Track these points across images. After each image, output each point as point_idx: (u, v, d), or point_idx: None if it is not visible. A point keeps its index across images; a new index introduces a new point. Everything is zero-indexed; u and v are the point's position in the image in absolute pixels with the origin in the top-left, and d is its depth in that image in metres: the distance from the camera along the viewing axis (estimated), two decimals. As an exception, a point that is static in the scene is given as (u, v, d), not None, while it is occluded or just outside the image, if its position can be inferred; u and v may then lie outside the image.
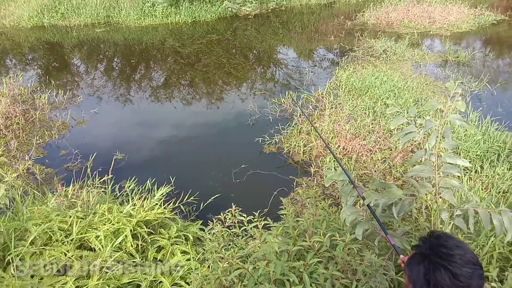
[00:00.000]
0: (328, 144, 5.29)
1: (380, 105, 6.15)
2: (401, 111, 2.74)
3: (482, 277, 1.19)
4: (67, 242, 2.96)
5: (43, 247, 2.88)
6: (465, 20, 11.55)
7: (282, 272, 2.06)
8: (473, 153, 4.95)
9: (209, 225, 3.25)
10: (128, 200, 3.79)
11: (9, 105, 6.34)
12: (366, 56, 8.92)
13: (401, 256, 1.68)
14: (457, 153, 5.04)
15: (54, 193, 3.68)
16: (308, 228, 2.40)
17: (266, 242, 2.17)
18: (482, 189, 4.11)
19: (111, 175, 3.84)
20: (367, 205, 2.18)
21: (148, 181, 4.37)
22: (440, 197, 2.72)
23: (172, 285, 2.92)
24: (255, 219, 2.64)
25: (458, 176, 2.72)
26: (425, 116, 5.53)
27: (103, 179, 3.74)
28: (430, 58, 8.85)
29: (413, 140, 5.12)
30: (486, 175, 4.51)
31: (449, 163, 2.68)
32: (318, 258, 2.20)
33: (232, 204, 3.29)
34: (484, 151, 5.00)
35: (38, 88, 7.50)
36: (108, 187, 3.68)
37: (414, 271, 1.26)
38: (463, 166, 4.58)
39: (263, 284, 1.95)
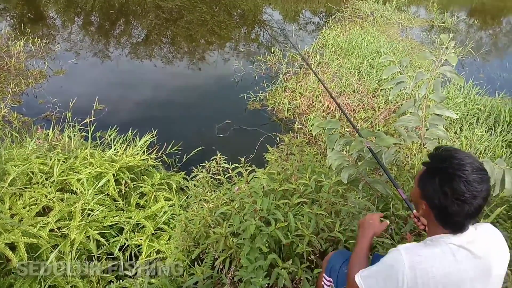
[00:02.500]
0: (336, 99, 5.28)
1: (366, 65, 6.13)
2: (394, 60, 2.71)
3: (489, 181, 1.28)
4: (48, 184, 2.90)
5: (23, 188, 2.82)
6: (453, -14, 11.48)
7: (268, 209, 2.07)
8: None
9: (193, 173, 3.23)
10: (110, 148, 3.72)
11: (-18, 51, 6.05)
12: (353, 18, 8.82)
13: (414, 211, 1.71)
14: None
15: (33, 137, 3.57)
16: (293, 172, 2.41)
17: (253, 181, 2.17)
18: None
19: (92, 119, 3.73)
20: (370, 149, 2.18)
21: (130, 132, 4.29)
22: (425, 147, 2.77)
23: (156, 229, 2.93)
24: (241, 165, 2.63)
25: (445, 128, 2.74)
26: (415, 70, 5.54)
27: (85, 121, 3.64)
28: (417, 22, 8.81)
29: (400, 93, 5.16)
30: (465, 136, 4.61)
31: (436, 114, 2.71)
32: (303, 199, 2.22)
33: (218, 152, 3.27)
34: (464, 113, 5.09)
35: (13, 36, 7.14)
36: (89, 131, 3.59)
37: (428, 186, 1.31)
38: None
39: (249, 220, 1.96)
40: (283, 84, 5.87)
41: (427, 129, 2.76)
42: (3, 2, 10.57)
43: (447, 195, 1.26)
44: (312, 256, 2.07)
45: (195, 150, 4.26)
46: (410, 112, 2.83)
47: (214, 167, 3.24)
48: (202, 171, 3.08)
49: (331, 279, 1.75)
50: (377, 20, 8.58)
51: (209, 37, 8.67)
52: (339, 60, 6.35)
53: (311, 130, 4.77)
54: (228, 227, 2.18)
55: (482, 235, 1.36)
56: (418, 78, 2.73)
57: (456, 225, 1.31)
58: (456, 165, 1.27)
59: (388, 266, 1.33)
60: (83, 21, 9.81)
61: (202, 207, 2.52)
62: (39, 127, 3.38)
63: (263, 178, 2.18)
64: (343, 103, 5.25)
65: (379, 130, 4.84)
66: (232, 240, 2.19)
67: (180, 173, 3.80)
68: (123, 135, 4.25)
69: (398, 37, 7.81)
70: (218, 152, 3.28)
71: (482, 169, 1.28)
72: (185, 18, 9.65)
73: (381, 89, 5.46)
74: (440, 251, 1.31)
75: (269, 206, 2.06)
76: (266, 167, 2.86)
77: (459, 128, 4.83)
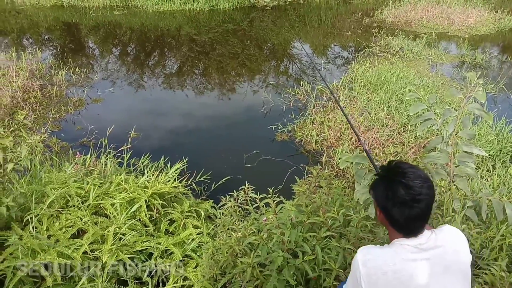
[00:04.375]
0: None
1: (395, 100, 6.14)
2: (421, 97, 2.75)
3: (432, 188, 1.40)
4: (83, 208, 3.02)
5: (60, 210, 2.95)
6: (484, 23, 11.43)
7: (296, 241, 2.10)
8: (486, 153, 4.93)
9: (221, 202, 3.29)
10: (143, 175, 3.85)
11: (27, 79, 6.44)
12: (383, 53, 8.89)
13: None
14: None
15: (71, 162, 3.74)
16: (321, 205, 2.44)
17: (281, 213, 2.21)
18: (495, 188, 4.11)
19: (129, 146, 3.89)
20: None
21: (162, 159, 4.43)
22: (454, 185, 2.74)
23: (183, 256, 2.98)
24: (269, 196, 2.68)
25: (473, 166, 2.72)
26: (444, 107, 5.50)
27: (121, 148, 3.80)
28: (447, 58, 8.79)
29: (430, 129, 5.12)
30: (498, 174, 4.51)
31: (465, 151, 2.70)
32: (331, 233, 2.23)
33: (246, 182, 3.33)
34: (497, 151, 4.99)
35: (56, 65, 7.59)
36: (125, 158, 3.74)
37: (376, 192, 1.48)
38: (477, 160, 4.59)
39: (277, 251, 1.99)
40: (311, 116, 5.94)
41: (456, 166, 2.75)
42: (47, 33, 11.27)
43: (389, 198, 1.40)
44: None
45: (223, 179, 4.34)
46: (439, 149, 2.83)
47: (242, 196, 3.29)
48: (230, 200, 3.14)
49: None
50: (407, 56, 8.62)
51: (239, 70, 8.93)
52: (368, 94, 6.39)
53: (339, 163, 4.78)
54: (256, 257, 2.21)
55: (440, 237, 1.45)
56: (446, 115, 2.75)
57: (404, 228, 1.42)
58: (399, 173, 1.41)
59: (352, 268, 1.46)
60: (120, 52, 10.31)
61: (229, 236, 2.56)
62: (77, 152, 3.56)
63: (291, 209, 2.22)
64: (372, 137, 5.25)
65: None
66: (259, 270, 2.22)
67: (208, 201, 3.87)
68: (155, 162, 4.39)
69: (428, 73, 7.80)
70: (246, 182, 3.34)
71: (425, 178, 1.40)
72: (217, 51, 9.99)
73: (410, 124, 5.44)
74: (393, 251, 1.43)
75: (297, 238, 2.09)
76: (294, 198, 2.89)
77: (492, 166, 4.72)
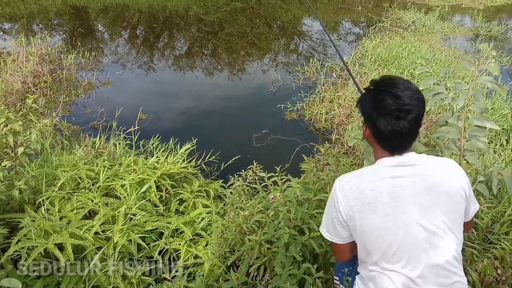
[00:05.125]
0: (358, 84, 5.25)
1: (407, 75, 6.03)
2: (431, 71, 2.68)
3: (422, 101, 1.32)
4: (94, 189, 3.07)
5: (71, 192, 3.00)
6: (500, -7, 11.07)
7: (302, 218, 2.10)
8: (500, 127, 4.84)
9: (230, 181, 3.31)
10: (152, 156, 3.88)
11: (37, 64, 6.48)
12: (394, 27, 8.70)
13: None
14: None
15: (81, 145, 3.79)
16: (329, 183, 2.43)
17: (287, 191, 2.21)
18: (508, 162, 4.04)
19: (136, 128, 3.92)
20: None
21: (171, 140, 4.45)
22: (465, 159, 2.70)
23: (193, 235, 3.02)
24: (276, 174, 2.68)
25: (485, 140, 2.67)
26: (456, 81, 5.38)
27: (129, 130, 3.83)
28: (461, 31, 8.57)
29: (442, 104, 5.03)
30: (511, 149, 4.42)
31: (476, 125, 2.64)
32: (338, 210, 2.22)
33: (254, 162, 3.33)
34: (511, 125, 4.89)
35: (65, 49, 7.61)
36: (134, 139, 3.77)
37: (363, 104, 1.40)
38: (488, 135, 4.50)
39: (283, 228, 2.00)
40: (321, 94, 5.88)
41: (467, 141, 2.70)
42: (56, 17, 11.27)
43: (374, 107, 1.32)
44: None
45: (233, 159, 4.34)
46: (450, 123, 2.77)
47: (250, 175, 3.30)
48: (238, 180, 3.15)
49: (337, 278, 1.76)
50: (419, 30, 8.42)
51: (248, 49, 8.84)
52: (379, 70, 6.29)
53: (348, 141, 4.74)
54: (263, 235, 2.23)
55: (429, 158, 1.38)
56: (457, 89, 2.68)
57: (389, 144, 1.34)
58: (388, 83, 1.33)
59: (329, 197, 1.42)
60: (129, 34, 10.28)
61: (238, 214, 2.58)
62: (87, 135, 3.60)
63: (297, 187, 2.21)
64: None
65: (419, 141, 4.73)
66: (267, 247, 2.23)
67: (218, 181, 3.89)
68: (165, 143, 4.41)
69: (441, 47, 7.62)
70: (254, 161, 3.34)
71: (416, 90, 1.31)
72: (225, 31, 9.89)
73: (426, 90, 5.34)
74: (372, 170, 1.38)
75: (303, 215, 2.09)
76: (302, 176, 2.88)
77: (505, 140, 4.63)
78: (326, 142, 4.89)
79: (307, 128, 5.36)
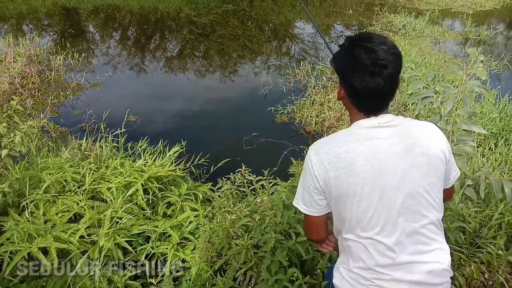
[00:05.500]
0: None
1: (396, 79, 6.05)
2: (419, 75, 2.69)
3: (399, 58, 1.24)
4: (80, 192, 3.02)
5: (56, 195, 2.95)
6: (489, -2, 11.21)
7: (289, 223, 2.08)
8: (488, 131, 4.87)
9: (218, 184, 3.28)
10: (140, 158, 3.84)
11: (25, 65, 6.40)
12: (385, 31, 8.75)
13: None
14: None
15: (68, 147, 3.73)
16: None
17: (273, 194, 2.19)
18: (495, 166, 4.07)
19: (123, 130, 3.88)
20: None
21: (160, 142, 4.40)
22: (452, 163, 2.70)
23: (181, 239, 2.98)
24: (264, 178, 2.66)
25: (473, 144, 2.68)
26: (445, 85, 5.43)
27: (116, 132, 3.78)
28: (450, 35, 8.64)
29: (431, 108, 5.05)
30: (500, 153, 4.45)
31: (464, 130, 2.65)
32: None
33: (242, 165, 3.31)
34: (500, 129, 4.92)
35: (54, 51, 7.52)
36: (120, 141, 3.73)
37: (336, 60, 1.33)
38: (476, 139, 4.53)
39: (269, 233, 1.98)
40: (311, 97, 5.87)
41: (455, 145, 2.70)
42: (46, 18, 11.17)
43: (348, 63, 1.26)
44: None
45: (222, 162, 4.30)
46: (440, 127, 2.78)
47: (239, 179, 3.28)
48: (227, 183, 3.13)
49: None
50: (409, 34, 8.48)
51: (240, 51, 8.82)
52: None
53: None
54: (250, 239, 2.21)
55: (406, 121, 1.32)
56: (446, 93, 2.68)
57: (364, 103, 1.28)
58: (363, 38, 1.26)
59: (304, 166, 1.35)
60: (119, 36, 10.21)
61: (225, 218, 2.56)
62: (73, 138, 3.55)
63: (283, 191, 2.20)
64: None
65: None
66: (254, 252, 2.21)
67: (207, 184, 3.86)
68: (153, 146, 4.37)
69: (431, 51, 7.67)
70: (243, 164, 3.33)
71: (393, 45, 1.24)
72: (217, 33, 9.87)
73: (412, 103, 5.37)
74: (347, 132, 1.31)
75: (289, 219, 2.07)
76: (290, 180, 2.87)
77: (494, 144, 4.66)
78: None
79: (297, 131, 5.35)
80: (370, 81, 1.22)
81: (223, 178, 3.69)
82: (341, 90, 1.34)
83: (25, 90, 5.93)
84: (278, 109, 5.71)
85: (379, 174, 1.24)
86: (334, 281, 1.42)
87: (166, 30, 10.62)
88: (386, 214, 1.24)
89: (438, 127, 2.51)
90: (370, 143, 1.26)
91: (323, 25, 10.81)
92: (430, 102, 2.73)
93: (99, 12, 11.75)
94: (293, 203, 1.41)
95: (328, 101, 5.62)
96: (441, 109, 2.63)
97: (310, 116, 5.42)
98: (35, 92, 5.92)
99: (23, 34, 8.70)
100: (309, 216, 1.37)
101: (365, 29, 9.02)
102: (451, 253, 2.27)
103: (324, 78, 6.48)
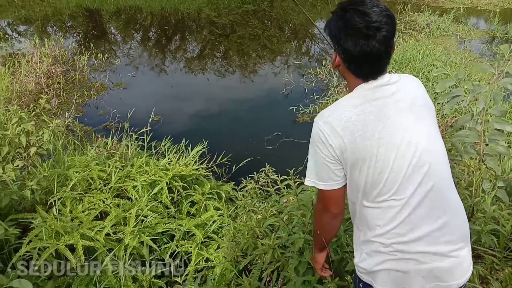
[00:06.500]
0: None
1: (421, 78, 5.93)
2: (449, 73, 2.61)
3: (392, 19, 1.23)
4: (105, 190, 3.05)
5: (83, 193, 2.99)
6: (517, -5, 10.89)
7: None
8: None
9: (242, 184, 3.26)
10: (163, 157, 3.86)
11: (50, 65, 6.53)
12: (408, 30, 8.60)
13: None
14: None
15: (91, 146, 3.78)
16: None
17: (302, 194, 2.16)
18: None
19: (148, 129, 3.90)
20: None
21: (183, 142, 4.42)
22: (484, 164, 2.62)
23: (205, 238, 2.98)
24: (290, 178, 2.63)
25: (504, 144, 2.59)
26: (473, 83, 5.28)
27: (141, 131, 3.81)
28: (476, 34, 8.43)
29: (457, 107, 4.91)
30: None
31: (496, 129, 2.56)
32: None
33: (266, 164, 3.28)
34: (530, 129, 4.76)
35: (78, 51, 7.66)
36: (145, 140, 3.75)
37: (330, 26, 1.31)
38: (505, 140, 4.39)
39: (297, 233, 1.95)
40: (333, 96, 5.81)
41: (486, 145, 2.62)
42: (70, 19, 11.39)
43: (342, 28, 1.24)
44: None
45: (244, 161, 4.28)
46: (468, 127, 2.70)
47: (263, 178, 3.25)
48: (250, 182, 3.11)
49: None
50: (434, 32, 8.30)
51: (260, 51, 8.80)
52: (393, 72, 6.19)
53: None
54: (276, 239, 2.18)
55: (399, 75, 1.34)
56: (476, 91, 2.60)
57: (361, 68, 1.27)
58: (355, 2, 1.24)
59: (312, 140, 1.33)
60: (141, 36, 10.33)
61: (250, 217, 2.54)
62: (99, 136, 3.59)
63: (312, 191, 2.16)
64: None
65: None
66: (280, 252, 2.18)
67: (229, 183, 3.86)
68: (176, 145, 4.39)
69: (456, 50, 7.49)
70: (266, 164, 3.29)
71: (385, 8, 1.23)
72: (237, 33, 9.87)
73: (437, 103, 5.25)
74: (352, 96, 1.30)
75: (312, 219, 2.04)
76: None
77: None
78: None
79: (319, 131, 5.29)
80: (364, 44, 1.21)
81: (246, 177, 3.67)
82: (336, 57, 1.33)
83: (50, 90, 6.04)
84: (300, 109, 5.67)
85: (393, 132, 1.24)
86: (355, 261, 1.41)
87: (187, 30, 10.68)
88: (403, 172, 1.24)
89: (467, 126, 2.45)
90: (378, 103, 1.26)
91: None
92: (461, 101, 2.66)
93: (121, 13, 11.92)
94: (305, 182, 1.39)
95: (351, 101, 5.54)
96: (473, 108, 2.55)
97: (333, 116, 5.35)
98: (60, 92, 6.03)
99: (48, 36, 8.88)
100: (327, 191, 1.35)
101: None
102: (483, 255, 2.21)
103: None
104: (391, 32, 1.22)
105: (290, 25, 10.89)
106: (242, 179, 4.15)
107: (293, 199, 2.27)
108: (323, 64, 6.91)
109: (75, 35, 10.11)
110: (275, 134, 5.15)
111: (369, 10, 1.20)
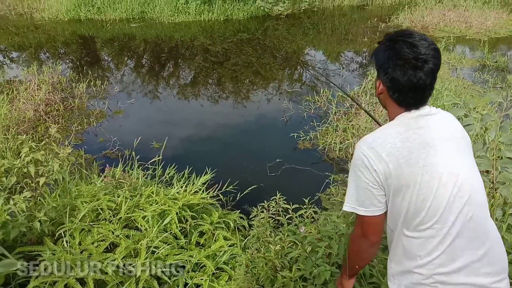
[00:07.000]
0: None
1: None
2: (459, 102, 2.66)
3: (438, 52, 1.29)
4: (114, 221, 2.99)
5: (91, 224, 2.92)
6: (503, 25, 11.26)
7: (340, 256, 2.03)
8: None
9: (253, 213, 3.23)
10: (169, 185, 3.82)
11: (49, 92, 6.50)
12: (401, 58, 8.79)
13: None
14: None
15: (97, 175, 3.73)
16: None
17: (328, 224, 2.13)
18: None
19: (159, 158, 3.87)
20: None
21: (186, 170, 4.38)
22: (497, 192, 2.64)
23: (216, 269, 2.92)
24: (304, 206, 2.61)
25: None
26: (481, 112, 5.36)
27: (153, 160, 3.78)
28: (467, 62, 8.65)
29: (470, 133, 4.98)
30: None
31: (508, 157, 2.60)
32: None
33: (277, 192, 3.27)
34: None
35: (76, 78, 7.65)
36: (157, 170, 3.72)
37: (378, 55, 1.37)
38: None
39: (323, 265, 1.92)
40: (333, 123, 5.86)
41: (499, 173, 2.65)
42: (66, 47, 11.42)
43: (391, 57, 1.29)
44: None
45: (250, 188, 4.25)
46: (479, 155, 2.73)
47: (273, 207, 3.23)
48: (262, 211, 3.07)
49: None
50: (426, 60, 8.51)
51: (260, 79, 8.88)
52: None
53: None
54: (297, 271, 2.14)
55: (438, 109, 1.39)
56: (485, 120, 2.65)
57: (405, 98, 1.31)
58: (404, 34, 1.30)
59: (354, 165, 1.33)
60: (139, 64, 10.38)
61: (267, 248, 2.50)
62: (107, 165, 3.54)
63: (339, 222, 2.14)
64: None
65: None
66: (301, 285, 2.14)
67: (234, 211, 3.81)
68: (179, 173, 4.34)
69: (449, 77, 7.67)
70: (277, 192, 3.28)
71: (432, 42, 1.29)
72: (231, 61, 9.98)
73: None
74: (395, 124, 1.33)
75: (340, 250, 2.02)
76: (324, 207, 2.82)
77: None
78: (342, 172, 4.83)
79: (321, 157, 5.31)
80: (412, 75, 1.26)
81: (251, 205, 3.63)
82: (379, 85, 1.38)
83: (49, 117, 6.00)
84: (301, 135, 5.70)
85: (436, 161, 1.26)
86: None
87: (184, 58, 10.78)
88: (446, 201, 1.26)
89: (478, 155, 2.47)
90: (421, 132, 1.29)
91: (334, 52, 10.92)
92: (471, 130, 2.70)
93: (117, 41, 12.00)
94: (344, 208, 1.39)
95: (352, 127, 5.59)
96: (485, 137, 2.59)
97: (334, 143, 5.39)
98: (59, 119, 5.98)
99: (41, 63, 8.87)
100: (367, 217, 1.34)
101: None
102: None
103: (345, 104, 6.47)
104: (437, 65, 1.28)
105: (283, 52, 11.06)
106: (248, 206, 4.14)
107: (313, 230, 2.25)
108: (321, 91, 7.00)
109: (71, 62, 10.13)
110: (277, 161, 5.15)
111: (417, 43, 1.26)
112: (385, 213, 1.35)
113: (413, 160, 1.26)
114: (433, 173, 1.26)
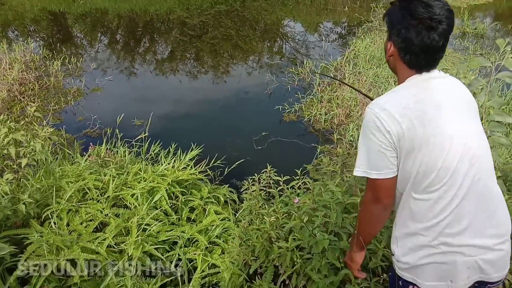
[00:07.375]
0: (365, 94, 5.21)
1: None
2: (448, 68, 2.65)
3: (452, 14, 1.26)
4: (102, 200, 2.91)
5: (78, 204, 2.84)
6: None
7: (337, 223, 2.02)
8: None
9: (244, 186, 3.19)
10: (155, 162, 3.74)
11: (22, 71, 6.23)
12: (383, 27, 8.74)
13: None
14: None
15: (80, 155, 3.62)
16: (355, 184, 2.35)
17: (326, 194, 2.12)
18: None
19: (146, 134, 3.76)
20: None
21: (171, 147, 4.29)
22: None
23: (209, 243, 2.90)
24: (297, 178, 2.59)
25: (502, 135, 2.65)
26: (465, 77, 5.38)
27: (139, 137, 3.68)
28: (447, 29, 8.68)
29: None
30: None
31: (497, 121, 2.62)
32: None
33: (267, 164, 3.23)
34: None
35: (50, 56, 7.33)
36: (144, 145, 3.63)
37: (391, 15, 1.33)
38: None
39: (321, 234, 1.91)
40: (317, 94, 5.83)
41: (488, 137, 2.67)
42: (36, 24, 10.93)
43: (405, 17, 1.25)
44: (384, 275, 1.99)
45: (237, 163, 4.21)
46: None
47: (264, 179, 3.19)
48: (254, 184, 3.04)
49: None
50: (407, 29, 8.49)
51: (243, 51, 8.72)
52: (373, 69, 6.28)
53: (351, 141, 4.71)
54: (294, 241, 2.14)
55: (447, 74, 1.39)
56: (474, 85, 2.65)
57: (417, 59, 1.29)
58: None
59: (366, 128, 1.31)
60: (114, 40, 10.04)
61: (262, 220, 2.48)
62: (90, 144, 3.43)
63: (337, 190, 2.13)
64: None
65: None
66: (297, 254, 2.14)
67: (223, 186, 3.78)
68: (164, 149, 4.25)
69: (430, 45, 7.70)
70: (268, 164, 3.25)
71: (447, 4, 1.26)
72: (209, 34, 9.76)
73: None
74: (405, 85, 1.33)
75: (342, 220, 2.01)
76: (313, 178, 2.81)
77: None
78: (327, 142, 4.84)
79: (306, 129, 5.29)
80: (425, 36, 1.23)
81: (239, 179, 3.60)
82: (390, 47, 1.34)
83: (24, 97, 5.76)
84: (286, 108, 5.65)
85: (448, 122, 1.26)
86: (396, 256, 1.39)
87: (162, 33, 10.48)
88: (455, 162, 1.25)
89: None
90: (433, 93, 1.29)
91: (314, 23, 10.79)
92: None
93: (89, 16, 11.55)
94: (355, 173, 1.36)
95: (336, 98, 5.57)
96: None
97: (319, 114, 5.37)
98: (34, 99, 5.77)
99: (10, 41, 8.47)
100: (380, 180, 1.31)
101: (363, 26, 8.99)
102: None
103: (330, 75, 6.43)
104: (450, 27, 1.25)
105: (261, 24, 10.87)
106: (235, 181, 4.11)
107: (309, 200, 2.24)
108: (304, 63, 6.92)
109: (43, 39, 9.71)
110: (263, 134, 5.11)
111: (432, 3, 1.23)
112: (397, 176, 1.33)
113: (426, 120, 1.24)
114: (444, 135, 1.25)
